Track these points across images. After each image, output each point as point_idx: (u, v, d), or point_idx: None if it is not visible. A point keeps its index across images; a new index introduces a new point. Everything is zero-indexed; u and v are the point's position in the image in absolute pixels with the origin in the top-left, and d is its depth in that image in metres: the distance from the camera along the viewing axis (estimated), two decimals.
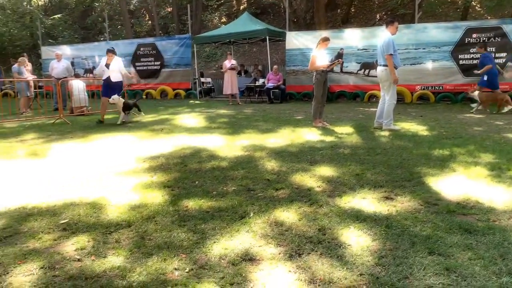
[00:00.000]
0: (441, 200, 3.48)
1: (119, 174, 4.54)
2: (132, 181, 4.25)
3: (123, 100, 9.50)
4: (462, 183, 3.95)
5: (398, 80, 7.39)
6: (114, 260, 2.50)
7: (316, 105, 8.06)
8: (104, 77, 9.49)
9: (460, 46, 12.40)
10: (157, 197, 3.69)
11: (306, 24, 21.85)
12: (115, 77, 9.43)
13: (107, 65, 9.40)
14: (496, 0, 16.44)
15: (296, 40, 14.67)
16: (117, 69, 9.46)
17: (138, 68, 17.74)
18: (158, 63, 17.34)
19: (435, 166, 4.61)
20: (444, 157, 5.05)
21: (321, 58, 7.95)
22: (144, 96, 17.24)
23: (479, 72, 10.72)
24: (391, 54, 7.19)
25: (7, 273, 2.36)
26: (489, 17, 18.39)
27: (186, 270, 2.36)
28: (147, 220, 3.15)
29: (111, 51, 9.62)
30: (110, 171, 4.69)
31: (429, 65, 12.81)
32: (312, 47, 13.72)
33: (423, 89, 12.89)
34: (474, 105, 10.48)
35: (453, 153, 5.21)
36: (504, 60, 11.96)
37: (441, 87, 12.72)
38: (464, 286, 2.11)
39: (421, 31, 12.89)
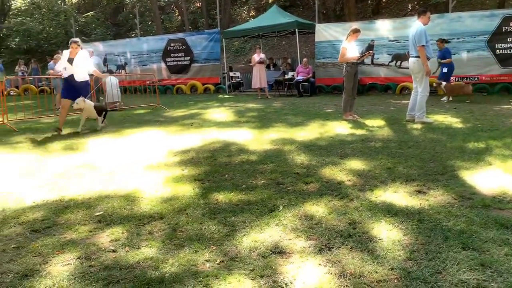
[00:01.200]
0: (476, 194, 3.39)
1: (151, 168, 4.64)
2: (163, 174, 4.34)
3: (93, 104, 7.87)
4: (498, 176, 3.83)
5: (431, 71, 7.18)
6: (147, 251, 2.57)
7: (346, 98, 7.96)
8: (65, 75, 7.64)
9: (497, 35, 11.96)
10: (188, 190, 3.75)
11: (335, 16, 21.57)
12: (80, 75, 7.58)
13: (70, 60, 7.49)
14: None
15: (325, 32, 14.51)
16: (82, 65, 7.58)
17: (168, 63, 17.99)
18: (188, 58, 17.52)
19: (470, 159, 4.48)
20: (480, 150, 4.90)
21: (351, 50, 7.83)
22: (174, 92, 17.48)
23: (442, 61, 11.23)
24: (423, 45, 7.01)
25: (46, 262, 2.46)
26: None
27: (217, 262, 2.39)
28: (179, 213, 3.21)
29: (75, 42, 7.60)
30: (142, 164, 4.80)
31: (464, 55, 12.42)
32: (342, 39, 13.55)
33: (458, 80, 12.51)
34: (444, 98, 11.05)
35: (489, 146, 5.05)
36: None
37: (476, 78, 12.32)
38: (500, 282, 2.05)
39: (455, 21, 12.49)
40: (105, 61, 19.15)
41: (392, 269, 2.24)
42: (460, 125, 6.75)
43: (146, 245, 2.66)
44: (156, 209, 3.30)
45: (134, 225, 3.01)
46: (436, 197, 3.36)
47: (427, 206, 3.17)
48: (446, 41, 11.57)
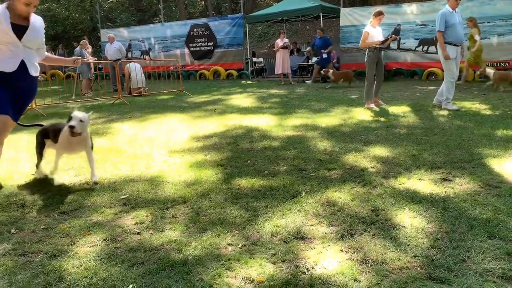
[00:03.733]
0: (503, 182, 3.31)
1: (175, 152, 4.70)
2: (187, 159, 4.39)
3: None
4: None
5: (449, 56, 6.84)
6: (171, 234, 2.62)
7: (368, 85, 7.66)
8: None
9: None
10: (211, 175, 3.79)
11: (361, 0, 21.10)
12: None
13: None
14: None
15: (350, 16, 14.25)
16: None
17: (192, 49, 18.04)
18: (211, 43, 17.52)
19: (498, 147, 4.37)
20: (509, 137, 4.77)
21: (374, 35, 7.62)
22: (197, 78, 17.54)
23: (324, 51, 12.73)
24: (440, 31, 6.85)
25: (74, 243, 2.54)
26: None
27: (239, 246, 2.42)
28: (202, 197, 3.25)
29: None
30: (166, 149, 4.87)
31: (495, 40, 12.00)
32: (367, 23, 13.34)
33: (488, 65, 12.12)
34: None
35: None
36: None
37: (507, 64, 11.92)
38: None
39: (486, 4, 12.05)
40: (129, 46, 19.35)
41: (415, 256, 2.22)
42: (488, 112, 6.57)
43: (170, 228, 2.71)
44: (180, 193, 3.34)
45: (158, 208, 3.06)
46: (462, 185, 3.29)
47: (452, 194, 3.11)
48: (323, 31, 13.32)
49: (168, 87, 12.44)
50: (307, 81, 13.58)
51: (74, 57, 4.05)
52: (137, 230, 2.70)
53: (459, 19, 6.89)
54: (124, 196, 3.34)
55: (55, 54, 20.91)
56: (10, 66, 3.40)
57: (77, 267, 2.24)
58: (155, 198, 3.28)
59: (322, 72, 12.27)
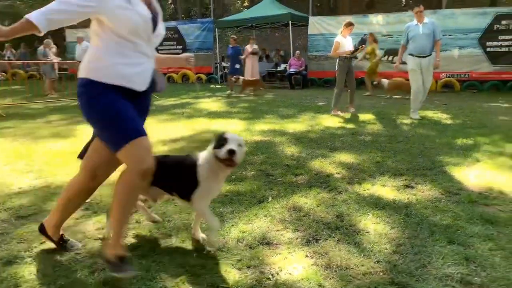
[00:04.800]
0: (462, 190, 3.43)
1: None
2: None
3: None
4: (485, 173, 3.87)
5: (397, 67, 7.54)
6: (134, 240, 2.56)
7: (337, 92, 7.81)
8: None
9: (489, 33, 12.03)
10: None
11: (329, 9, 21.53)
12: None
13: None
14: None
15: (319, 25, 14.48)
16: None
17: (160, 52, 17.66)
18: (180, 47, 17.38)
19: (458, 155, 4.52)
20: (468, 146, 4.95)
21: (344, 44, 7.78)
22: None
23: (242, 57, 12.61)
24: (402, 44, 7.34)
25: (31, 249, 2.44)
26: None
27: (204, 252, 2.39)
28: (166, 202, 3.19)
29: None
30: None
31: (455, 52, 12.48)
32: (335, 33, 13.54)
33: (448, 77, 12.59)
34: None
35: (477, 143, 5.10)
36: None
37: (467, 75, 12.41)
38: (484, 277, 2.08)
39: (448, 17, 12.53)
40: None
41: (378, 262, 2.25)
42: (449, 122, 6.80)
43: (134, 233, 2.65)
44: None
45: None
46: (424, 192, 3.38)
47: (414, 200, 3.19)
48: (235, 39, 13.07)
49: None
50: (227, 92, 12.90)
51: (187, 54, 3.10)
52: (99, 236, 2.62)
53: (423, 31, 7.02)
54: (87, 201, 3.24)
55: (15, 52, 20.17)
56: (141, 82, 2.27)
57: (34, 274, 2.16)
58: None
59: (233, 79, 12.35)
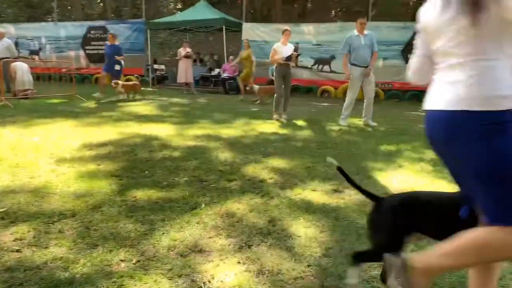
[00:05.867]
0: (386, 194, 3.60)
1: (64, 161, 4.35)
2: (77, 168, 4.08)
3: None
4: (407, 178, 4.11)
5: (348, 76, 7.51)
6: (56, 251, 2.39)
7: (276, 98, 8.06)
8: None
9: (410, 46, 12.82)
10: (104, 186, 3.56)
11: (263, 16, 21.88)
12: None
13: None
14: None
15: (252, 32, 14.66)
16: None
17: (88, 51, 17.09)
18: None
19: (382, 161, 4.77)
20: (391, 152, 5.23)
21: (281, 51, 7.94)
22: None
23: (117, 58, 11.21)
24: (343, 53, 7.52)
25: None
26: None
27: (133, 262, 2.30)
28: (93, 210, 3.04)
29: None
30: (54, 158, 4.48)
31: (380, 63, 13.20)
32: (268, 40, 13.82)
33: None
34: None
35: (399, 149, 5.41)
36: None
37: (390, 85, 13.18)
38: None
39: (373, 30, 13.10)
40: (16, 44, 17.67)
41: (308, 265, 2.30)
42: (373, 129, 7.16)
43: (55, 244, 2.48)
44: (68, 206, 3.09)
45: (42, 222, 2.79)
46: (351, 196, 3.52)
47: (342, 204, 3.30)
48: (115, 36, 11.58)
49: (59, 90, 11.57)
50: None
51: None
52: (17, 247, 2.42)
53: (365, 42, 7.33)
54: (2, 209, 2.99)
55: None
56: None
57: None
58: (39, 212, 2.98)
59: (112, 83, 10.88)
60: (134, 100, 10.77)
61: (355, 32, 7.45)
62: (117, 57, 11.11)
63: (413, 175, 4.21)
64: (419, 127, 7.59)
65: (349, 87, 7.60)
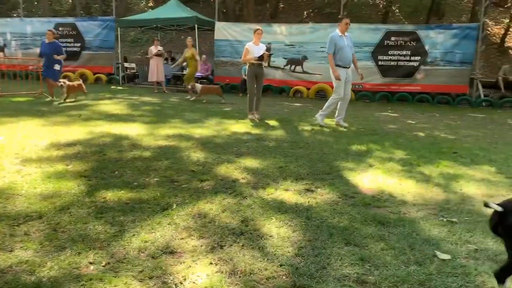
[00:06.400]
0: (357, 193, 3.66)
1: (31, 162, 4.21)
2: (45, 169, 3.96)
3: None
4: (377, 177, 4.19)
5: (339, 76, 7.25)
6: (22, 254, 2.32)
7: (249, 97, 8.10)
8: None
9: (380, 48, 13.12)
10: (72, 187, 3.47)
11: (235, 15, 21.82)
12: None
13: None
14: (412, 6, 17.63)
15: (225, 31, 14.60)
16: None
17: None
18: (78, 44, 16.36)
19: (353, 160, 4.83)
20: (361, 152, 5.31)
21: (253, 51, 7.94)
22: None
23: (57, 57, 10.12)
24: (330, 53, 7.26)
25: None
26: (406, 22, 19.67)
27: (102, 264, 2.25)
28: (61, 212, 2.96)
29: None
30: (20, 158, 4.34)
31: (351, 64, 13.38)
32: (241, 39, 13.80)
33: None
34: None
35: (370, 149, 5.51)
36: (417, 64, 12.88)
37: (361, 86, 13.39)
38: (377, 275, 2.23)
39: None
40: None
41: (281, 265, 2.30)
42: (345, 129, 7.26)
43: (21, 247, 2.40)
44: (34, 208, 2.99)
45: (6, 225, 2.69)
46: (323, 195, 3.55)
47: (314, 204, 3.33)
48: (54, 33, 10.45)
49: (25, 88, 11.20)
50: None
51: None
52: None
53: (347, 43, 7.33)
54: None
55: None
56: None
57: None
58: (4, 213, 2.88)
59: (60, 83, 9.75)
60: (77, 101, 9.97)
61: (338, 32, 7.36)
62: (57, 56, 10.12)
63: (383, 174, 4.29)
64: (389, 127, 7.75)
65: (335, 88, 7.47)
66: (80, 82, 10.57)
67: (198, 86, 11.17)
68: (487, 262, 2.42)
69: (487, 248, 2.61)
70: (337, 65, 7.31)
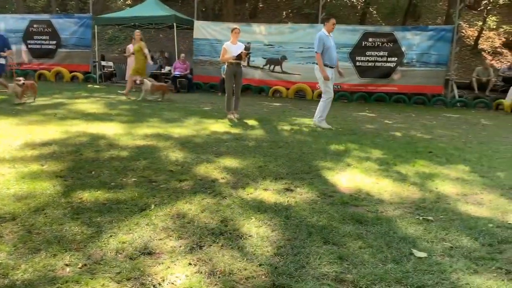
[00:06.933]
0: (336, 192, 3.70)
1: (4, 162, 4.10)
2: (19, 169, 3.87)
3: None
4: (355, 176, 4.24)
5: (328, 76, 7.21)
6: None
7: (227, 97, 8.09)
8: None
9: (358, 49, 13.28)
10: (47, 188, 3.40)
11: (214, 14, 21.77)
12: None
13: None
14: (389, 8, 17.91)
15: (204, 30, 14.53)
16: None
17: (30, 46, 16.26)
18: (54, 42, 16.03)
19: (332, 160, 4.88)
20: (340, 152, 5.37)
21: (231, 50, 7.92)
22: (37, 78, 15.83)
23: (4, 54, 10.01)
24: (318, 52, 7.17)
25: None
26: (383, 24, 19.96)
27: (79, 266, 2.20)
28: (35, 213, 2.89)
29: None
30: None
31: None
32: (220, 38, 13.76)
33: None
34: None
35: (348, 149, 5.57)
36: (394, 65, 13.09)
37: (339, 86, 13.52)
38: (355, 274, 2.25)
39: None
40: None
41: (260, 265, 2.30)
42: (324, 129, 7.31)
43: None
44: (8, 209, 2.91)
45: None
46: (302, 195, 3.57)
47: (293, 203, 3.35)
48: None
49: None
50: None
51: None
52: None
53: (333, 43, 7.33)
54: None
55: None
56: None
57: None
58: None
59: (17, 81, 8.92)
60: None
61: (325, 32, 7.31)
62: (3, 53, 9.76)
63: (361, 173, 4.34)
64: (366, 127, 7.85)
65: (324, 89, 7.43)
66: (33, 83, 9.86)
67: (148, 83, 10.60)
68: (462, 259, 2.48)
69: (461, 245, 2.68)
70: (325, 65, 7.27)
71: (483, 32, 19.19)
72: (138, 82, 10.74)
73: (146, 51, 11.01)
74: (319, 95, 13.27)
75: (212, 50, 14.17)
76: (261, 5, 23.70)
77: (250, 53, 12.56)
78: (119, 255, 2.35)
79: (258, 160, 4.68)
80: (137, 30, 11.68)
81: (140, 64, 11.04)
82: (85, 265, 2.22)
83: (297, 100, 13.18)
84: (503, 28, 18.99)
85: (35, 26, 16.19)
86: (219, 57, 9.23)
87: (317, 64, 7.35)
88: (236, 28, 8.16)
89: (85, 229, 2.67)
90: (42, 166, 4.03)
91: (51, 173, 3.81)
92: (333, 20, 7.36)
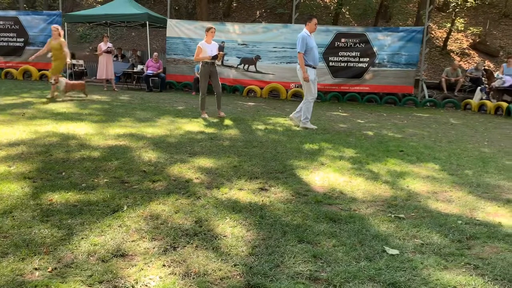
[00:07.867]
0: (310, 191, 3.73)
1: None
2: None
3: None
4: (329, 175, 4.28)
5: (308, 78, 7.19)
6: None
7: (201, 96, 8.05)
8: None
9: (331, 49, 13.42)
10: (15, 190, 3.30)
11: (188, 13, 21.59)
12: None
13: None
14: (362, 9, 18.19)
15: (177, 28, 14.38)
16: None
17: None
18: (22, 39, 15.56)
19: (306, 159, 4.92)
20: (314, 151, 5.41)
21: (206, 49, 7.87)
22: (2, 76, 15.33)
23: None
24: (301, 52, 7.13)
25: None
26: (355, 24, 20.25)
27: (49, 270, 2.15)
28: (3, 216, 2.80)
29: None
30: None
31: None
32: (193, 37, 13.66)
33: (297, 87, 13.67)
34: None
35: (322, 148, 5.62)
36: (366, 65, 13.30)
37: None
38: (329, 272, 2.28)
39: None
40: None
41: (235, 265, 2.30)
42: (298, 128, 7.37)
43: None
44: None
45: None
46: (277, 194, 3.59)
47: (268, 202, 3.36)
48: None
49: None
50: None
51: None
52: None
53: (315, 44, 7.32)
54: None
55: None
56: None
57: None
58: None
59: None
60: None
61: (307, 32, 7.27)
62: None
63: (334, 172, 4.39)
64: (340, 126, 7.94)
65: (307, 89, 7.39)
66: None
67: (62, 81, 10.04)
68: (432, 256, 2.54)
69: (432, 242, 2.74)
70: (308, 65, 7.25)
71: (452, 33, 19.72)
72: (53, 81, 10.06)
73: (66, 49, 10.31)
74: (293, 95, 13.42)
75: (186, 48, 14.05)
76: (235, 5, 23.65)
77: (225, 53, 12.53)
78: (91, 258, 2.30)
79: (233, 160, 4.67)
80: (54, 25, 10.78)
81: (60, 62, 10.42)
82: (55, 268, 2.17)
83: (271, 99, 13.22)
84: (470, 30, 19.56)
85: (1, 22, 15.66)
86: (192, 56, 9.17)
87: (299, 64, 7.33)
88: (212, 27, 8.10)
89: (55, 231, 2.60)
90: (10, 168, 3.91)
91: (19, 175, 3.70)
92: (315, 20, 7.33)
